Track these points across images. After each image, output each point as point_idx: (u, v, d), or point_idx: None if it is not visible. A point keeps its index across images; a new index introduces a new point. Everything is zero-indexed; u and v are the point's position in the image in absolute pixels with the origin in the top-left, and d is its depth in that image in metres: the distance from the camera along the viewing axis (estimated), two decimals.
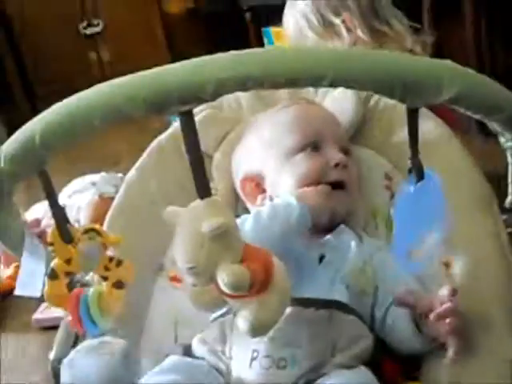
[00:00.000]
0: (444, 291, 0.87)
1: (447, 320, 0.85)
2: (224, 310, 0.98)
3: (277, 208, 1.00)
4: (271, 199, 1.08)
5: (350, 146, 1.15)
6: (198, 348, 0.97)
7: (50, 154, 0.72)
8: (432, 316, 0.86)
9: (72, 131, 0.69)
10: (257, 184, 1.13)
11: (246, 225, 0.97)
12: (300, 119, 1.12)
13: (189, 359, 0.95)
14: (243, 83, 0.63)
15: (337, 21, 1.54)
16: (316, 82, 0.63)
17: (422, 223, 0.73)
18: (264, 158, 1.12)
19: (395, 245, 0.73)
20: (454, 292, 0.87)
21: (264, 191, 1.12)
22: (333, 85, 0.63)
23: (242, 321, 0.74)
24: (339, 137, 1.12)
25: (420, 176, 0.71)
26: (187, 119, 0.68)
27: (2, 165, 0.73)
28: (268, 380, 0.89)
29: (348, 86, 0.65)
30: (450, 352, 0.84)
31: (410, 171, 0.71)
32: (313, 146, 1.09)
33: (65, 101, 0.69)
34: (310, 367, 0.90)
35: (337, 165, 1.07)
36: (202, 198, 0.72)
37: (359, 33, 1.53)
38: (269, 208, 1.01)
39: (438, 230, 0.74)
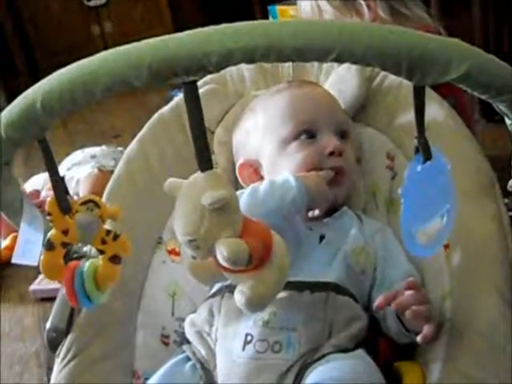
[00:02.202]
0: (403, 284, 0.89)
1: (412, 308, 0.86)
2: (214, 289, 0.99)
3: (274, 184, 1.00)
4: None
5: (350, 125, 1.13)
6: (188, 330, 0.99)
7: (50, 121, 0.71)
8: (393, 305, 0.88)
9: (73, 98, 0.68)
10: (255, 170, 1.12)
11: (242, 199, 0.96)
12: (292, 106, 1.09)
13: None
14: (250, 54, 0.62)
15: None
16: (323, 55, 0.61)
17: (431, 205, 0.71)
18: (260, 145, 1.11)
19: (403, 226, 0.71)
20: (412, 285, 0.89)
21: (262, 178, 1.10)
22: (340, 59, 0.62)
23: (239, 295, 0.73)
24: (336, 120, 1.10)
25: (427, 155, 0.69)
26: (191, 90, 0.67)
27: (2, 131, 0.72)
28: (263, 363, 0.89)
29: (354, 62, 0.64)
30: (418, 338, 0.86)
31: (416, 150, 0.70)
32: (307, 133, 1.07)
33: (67, 67, 0.68)
34: (307, 350, 0.90)
35: (332, 153, 1.06)
36: (202, 170, 0.71)
37: (380, 11, 1.51)
38: (266, 183, 1.01)
39: (447, 212, 0.72)
